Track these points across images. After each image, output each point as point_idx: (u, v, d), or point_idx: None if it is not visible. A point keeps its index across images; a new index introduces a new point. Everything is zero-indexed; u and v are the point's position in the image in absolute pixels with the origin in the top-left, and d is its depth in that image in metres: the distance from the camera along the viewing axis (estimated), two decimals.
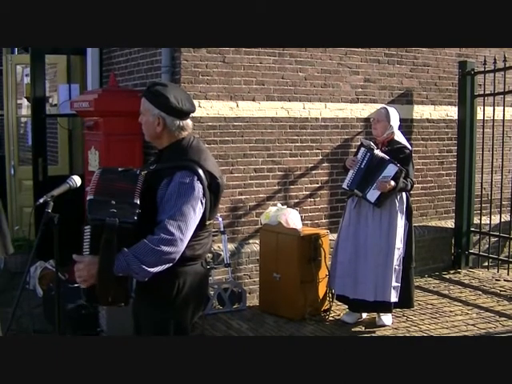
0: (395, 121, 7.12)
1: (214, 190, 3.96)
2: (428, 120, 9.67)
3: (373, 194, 6.98)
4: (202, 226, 3.92)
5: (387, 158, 6.95)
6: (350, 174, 7.10)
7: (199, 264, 4.05)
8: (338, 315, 7.57)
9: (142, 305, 4.05)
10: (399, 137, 7.27)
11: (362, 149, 7.08)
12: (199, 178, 3.84)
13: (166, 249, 3.68)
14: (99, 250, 3.67)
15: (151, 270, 3.68)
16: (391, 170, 6.92)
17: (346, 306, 7.50)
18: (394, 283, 7.08)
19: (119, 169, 3.99)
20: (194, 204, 3.80)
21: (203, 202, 3.87)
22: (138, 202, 3.75)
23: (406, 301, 7.27)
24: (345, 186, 7.20)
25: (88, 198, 3.78)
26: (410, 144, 7.54)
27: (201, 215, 3.88)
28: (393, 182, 6.91)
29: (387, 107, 7.25)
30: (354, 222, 7.16)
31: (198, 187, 3.83)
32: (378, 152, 6.99)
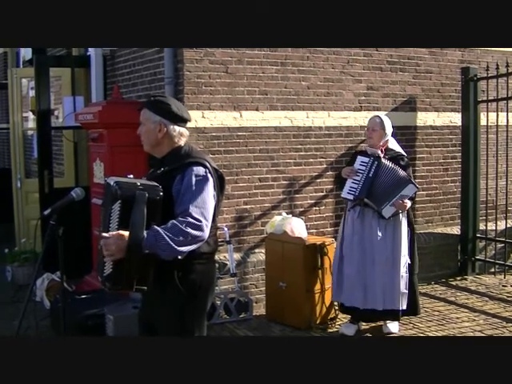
0: (389, 128, 7.13)
1: (220, 184, 4.20)
2: (432, 127, 9.68)
3: (388, 210, 6.92)
4: (212, 219, 4.08)
5: (407, 177, 6.93)
6: (350, 182, 7.02)
7: (212, 261, 4.30)
8: (345, 323, 7.56)
9: (159, 306, 4.15)
10: (393, 144, 7.28)
11: (365, 158, 7.03)
12: (210, 172, 4.07)
13: (193, 232, 3.85)
14: (128, 226, 3.82)
15: (178, 248, 3.83)
16: (411, 189, 6.92)
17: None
18: (402, 290, 7.08)
19: (128, 176, 4.17)
20: (210, 194, 4.02)
21: (214, 194, 4.08)
22: (160, 186, 3.97)
23: (411, 308, 7.26)
24: (348, 196, 7.08)
25: (114, 181, 3.95)
26: (406, 150, 7.54)
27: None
28: (409, 202, 6.93)
29: (380, 116, 7.24)
30: (358, 232, 7.10)
31: (211, 180, 4.05)
32: (386, 161, 6.97)
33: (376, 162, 6.96)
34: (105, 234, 3.88)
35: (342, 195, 7.21)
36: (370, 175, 6.96)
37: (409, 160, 7.28)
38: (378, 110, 8.99)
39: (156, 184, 3.98)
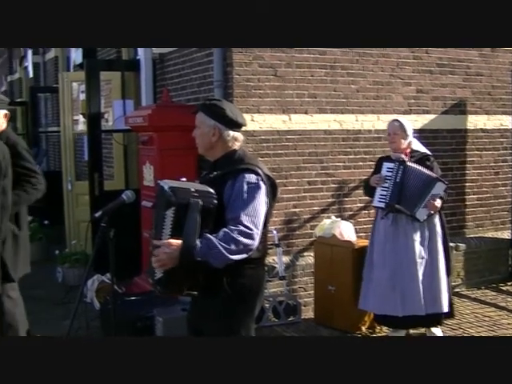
0: (410, 130, 7.06)
1: (272, 190, 4.19)
2: (482, 130, 9.58)
3: (422, 213, 6.82)
4: (263, 225, 4.09)
5: (434, 175, 6.87)
6: (380, 190, 6.95)
7: (262, 265, 4.27)
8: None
9: (208, 309, 4.15)
10: (417, 145, 7.21)
11: (390, 164, 6.97)
12: (262, 179, 4.06)
13: (245, 240, 3.87)
14: (182, 233, 3.84)
15: (230, 256, 3.85)
16: (440, 187, 6.83)
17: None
18: (442, 293, 6.99)
19: (181, 179, 4.21)
20: (262, 202, 4.02)
21: (266, 201, 4.07)
22: (214, 191, 3.97)
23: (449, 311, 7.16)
24: (380, 204, 7.01)
25: (168, 186, 3.94)
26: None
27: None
28: (439, 201, 6.85)
29: (399, 119, 7.14)
30: (391, 239, 6.98)
31: (263, 187, 4.04)
32: (411, 164, 6.90)
33: (402, 167, 6.89)
34: (156, 243, 3.90)
35: (374, 204, 7.15)
36: (398, 180, 6.88)
37: (434, 159, 7.19)
38: (427, 114, 8.94)
39: (210, 190, 3.97)
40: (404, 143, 7.00)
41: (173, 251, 3.82)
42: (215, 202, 3.92)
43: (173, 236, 3.88)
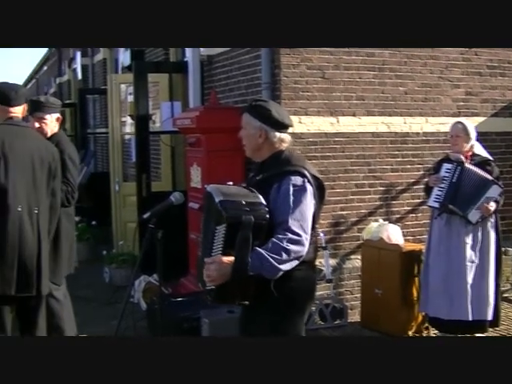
0: (473, 133, 6.98)
1: (320, 192, 4.15)
2: None
3: (474, 215, 6.78)
4: (311, 227, 4.05)
5: (490, 178, 6.80)
6: (436, 190, 6.92)
7: (312, 268, 4.23)
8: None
9: (258, 312, 4.12)
10: (479, 149, 7.13)
11: (449, 164, 6.92)
12: (309, 181, 4.01)
13: (295, 248, 3.84)
14: (233, 249, 3.80)
15: (282, 267, 3.83)
16: (495, 191, 6.77)
17: None
18: (490, 300, 6.91)
19: (227, 183, 4.17)
20: (309, 205, 3.98)
21: (313, 203, 4.03)
22: (264, 202, 3.91)
23: (494, 319, 7.05)
24: (435, 204, 6.98)
25: (219, 200, 3.88)
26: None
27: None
28: (494, 205, 6.78)
29: (462, 121, 7.08)
30: (444, 240, 6.94)
31: (310, 189, 4.00)
32: (469, 166, 6.84)
33: (459, 167, 6.85)
34: (207, 260, 3.87)
35: (428, 204, 7.12)
36: (454, 181, 6.85)
37: (495, 165, 7.11)
38: (476, 116, 8.84)
39: (261, 201, 3.91)
40: (466, 146, 6.94)
41: (224, 268, 3.79)
42: (267, 216, 3.85)
43: (224, 252, 3.84)
